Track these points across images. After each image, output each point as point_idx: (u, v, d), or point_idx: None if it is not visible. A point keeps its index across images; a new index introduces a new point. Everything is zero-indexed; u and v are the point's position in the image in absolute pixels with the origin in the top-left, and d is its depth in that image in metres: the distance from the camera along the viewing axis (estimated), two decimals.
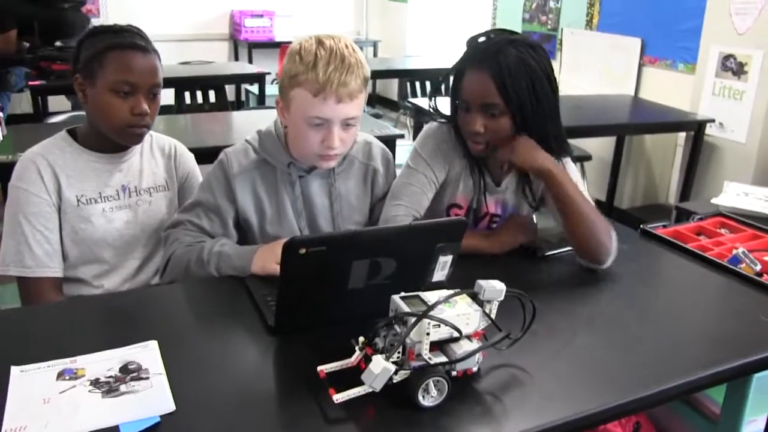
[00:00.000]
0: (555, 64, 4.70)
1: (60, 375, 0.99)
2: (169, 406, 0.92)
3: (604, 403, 1.00)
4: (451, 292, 0.99)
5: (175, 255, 1.38)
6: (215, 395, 0.96)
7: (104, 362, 1.02)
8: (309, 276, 1.06)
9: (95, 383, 0.97)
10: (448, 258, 1.14)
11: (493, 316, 1.02)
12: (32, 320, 1.21)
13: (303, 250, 1.00)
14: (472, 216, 1.58)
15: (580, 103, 3.77)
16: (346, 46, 1.33)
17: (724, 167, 3.57)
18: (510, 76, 1.37)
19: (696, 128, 3.51)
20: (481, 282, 1.01)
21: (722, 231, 1.76)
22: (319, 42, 1.31)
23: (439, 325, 0.95)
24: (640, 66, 4.10)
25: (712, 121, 3.52)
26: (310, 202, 1.47)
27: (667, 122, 3.63)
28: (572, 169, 1.53)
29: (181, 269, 1.37)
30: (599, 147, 4.13)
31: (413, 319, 0.93)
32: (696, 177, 3.62)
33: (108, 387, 0.96)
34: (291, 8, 6.56)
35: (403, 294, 1.00)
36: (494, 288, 1.01)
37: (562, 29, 4.64)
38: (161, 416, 0.90)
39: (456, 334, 0.96)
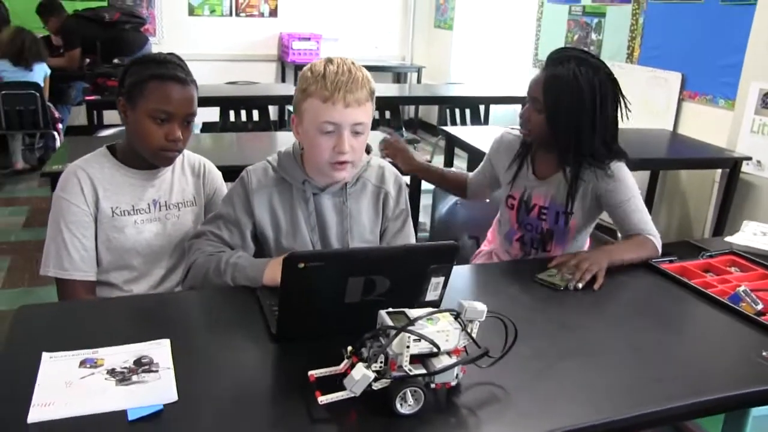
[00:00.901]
0: None
1: (82, 363, 1.11)
2: (173, 396, 1.03)
3: (578, 423, 1.06)
4: (433, 309, 1.07)
5: (196, 263, 1.50)
6: (214, 390, 1.07)
7: (121, 355, 1.14)
8: (308, 289, 1.15)
9: (111, 372, 1.09)
10: (440, 279, 1.22)
11: (474, 335, 1.10)
12: (65, 314, 1.35)
13: (302, 265, 1.10)
14: (523, 207, 1.89)
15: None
16: (353, 63, 1.45)
17: (760, 206, 3.53)
18: (556, 81, 1.66)
19: (732, 165, 3.50)
20: (464, 302, 1.09)
21: (732, 269, 1.77)
22: (328, 59, 1.45)
23: (420, 340, 1.03)
24: (680, 101, 4.10)
25: (749, 158, 3.50)
26: (322, 219, 1.57)
27: (701, 158, 3.61)
28: (625, 183, 1.77)
29: (200, 277, 1.48)
30: None
31: (395, 332, 1.02)
32: (731, 215, 3.59)
33: (122, 376, 1.08)
34: (337, 32, 6.79)
35: (390, 309, 1.09)
36: (475, 309, 1.08)
37: None
38: (165, 405, 1.01)
39: (435, 350, 1.04)
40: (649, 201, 4.13)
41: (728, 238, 1.95)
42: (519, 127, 1.87)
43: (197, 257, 1.50)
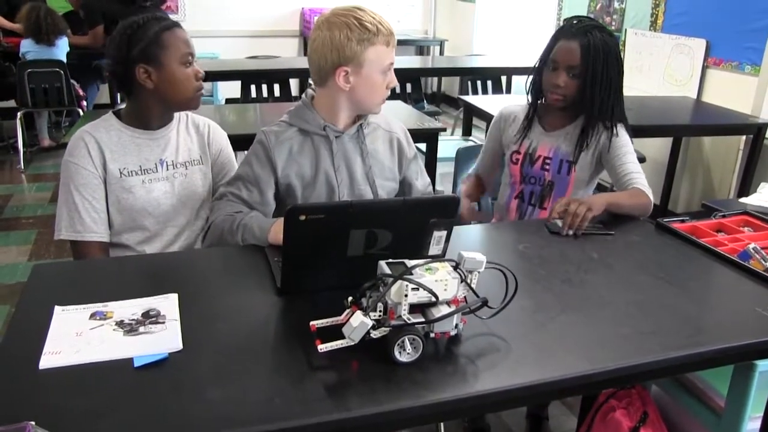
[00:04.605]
0: None
1: (92, 315, 1.15)
2: (177, 345, 1.07)
3: (572, 372, 1.07)
4: (431, 259, 1.08)
5: (215, 223, 1.57)
6: (218, 340, 1.10)
7: (130, 308, 1.17)
8: (310, 241, 1.17)
9: (120, 324, 1.12)
10: (443, 233, 1.23)
11: (473, 286, 1.11)
12: (78, 272, 1.39)
13: (303, 217, 1.12)
14: (528, 159, 2.00)
15: (639, 104, 3.75)
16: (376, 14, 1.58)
17: None
18: (593, 49, 1.83)
19: (755, 132, 3.43)
20: (463, 253, 1.10)
21: (744, 229, 1.75)
22: (360, 9, 1.54)
23: (418, 289, 1.04)
24: (704, 68, 4.01)
25: None
26: (346, 158, 1.65)
27: (723, 125, 3.54)
28: (625, 138, 1.92)
29: (217, 236, 1.55)
30: (654, 150, 4.08)
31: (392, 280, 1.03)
32: (755, 181, 3.52)
33: (129, 327, 1.11)
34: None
35: (389, 260, 1.10)
36: (474, 259, 1.09)
37: (626, 30, 4.59)
38: (170, 353, 1.04)
39: (433, 299, 1.06)
40: (671, 168, 4.08)
41: (743, 199, 1.93)
42: (549, 93, 1.94)
43: (216, 217, 1.57)
